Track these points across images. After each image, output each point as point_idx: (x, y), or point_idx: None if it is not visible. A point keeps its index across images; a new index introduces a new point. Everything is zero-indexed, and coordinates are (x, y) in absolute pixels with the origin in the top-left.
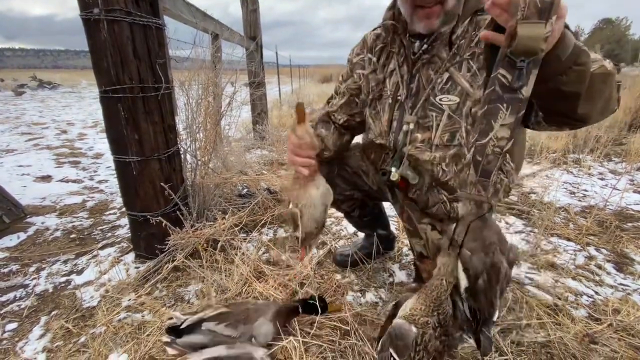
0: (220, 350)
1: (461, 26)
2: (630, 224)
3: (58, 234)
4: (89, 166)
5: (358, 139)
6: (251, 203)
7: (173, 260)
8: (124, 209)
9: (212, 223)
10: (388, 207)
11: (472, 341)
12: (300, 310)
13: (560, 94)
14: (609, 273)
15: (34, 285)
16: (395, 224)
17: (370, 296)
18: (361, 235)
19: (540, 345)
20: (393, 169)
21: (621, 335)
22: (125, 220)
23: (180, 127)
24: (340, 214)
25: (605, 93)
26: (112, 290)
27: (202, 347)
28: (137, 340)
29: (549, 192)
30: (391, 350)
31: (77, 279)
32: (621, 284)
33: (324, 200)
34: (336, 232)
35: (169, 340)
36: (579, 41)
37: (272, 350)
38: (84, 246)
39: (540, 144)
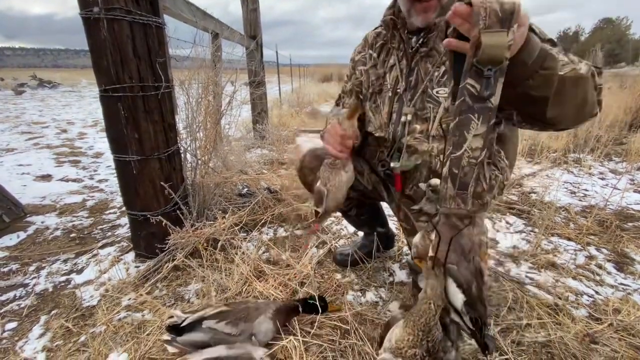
0: (220, 350)
1: None
2: (630, 224)
3: (58, 233)
4: (89, 165)
5: None
6: (251, 202)
7: (173, 260)
8: (124, 208)
9: (212, 222)
10: (385, 205)
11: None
12: (300, 309)
13: (529, 98)
14: (609, 273)
15: (34, 285)
16: (395, 223)
17: (370, 295)
18: (361, 234)
19: (540, 345)
20: (393, 163)
21: (621, 335)
22: (125, 220)
23: (180, 126)
24: (339, 213)
25: (578, 96)
26: (112, 289)
27: (202, 345)
28: (137, 339)
29: (550, 192)
30: None
31: (77, 278)
32: (622, 284)
33: (348, 184)
34: (336, 232)
35: (169, 338)
36: (559, 46)
37: (273, 349)
38: (84, 245)
39: (541, 143)
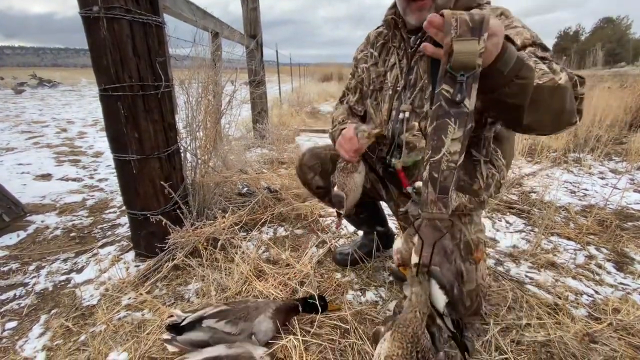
0: (220, 349)
1: None
2: (630, 223)
3: (58, 232)
4: (89, 164)
5: None
6: (251, 202)
7: (173, 259)
8: (124, 208)
9: (212, 222)
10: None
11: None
12: (300, 308)
13: (505, 105)
14: (609, 272)
15: (34, 284)
16: (394, 223)
17: (370, 295)
18: (360, 233)
19: (540, 344)
20: (393, 159)
21: (621, 335)
22: (125, 219)
23: (180, 125)
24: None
25: (554, 105)
26: (112, 288)
27: (202, 344)
28: (137, 338)
29: (550, 191)
30: None
31: (77, 278)
32: (621, 283)
33: (362, 182)
34: (336, 231)
35: (169, 337)
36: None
37: (272, 349)
38: (83, 245)
39: (541, 143)
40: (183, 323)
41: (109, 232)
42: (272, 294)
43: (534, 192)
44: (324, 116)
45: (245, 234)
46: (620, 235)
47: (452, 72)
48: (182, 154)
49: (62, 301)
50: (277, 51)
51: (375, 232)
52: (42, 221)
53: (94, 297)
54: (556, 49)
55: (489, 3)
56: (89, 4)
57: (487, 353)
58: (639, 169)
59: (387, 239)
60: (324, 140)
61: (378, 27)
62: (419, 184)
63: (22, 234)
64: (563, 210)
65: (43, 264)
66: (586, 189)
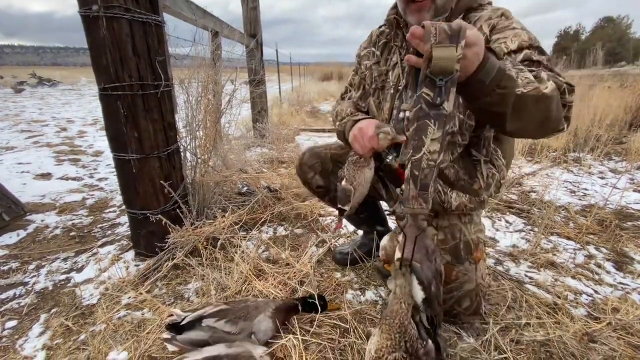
0: (219, 349)
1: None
2: (630, 223)
3: (58, 231)
4: (88, 164)
5: None
6: (251, 201)
7: (173, 258)
8: (123, 207)
9: (212, 221)
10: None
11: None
12: (299, 308)
13: (488, 113)
14: (608, 272)
15: (34, 283)
16: (394, 222)
17: (370, 294)
18: (360, 233)
19: (539, 344)
20: (389, 157)
21: (620, 334)
22: (125, 218)
23: (180, 124)
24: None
25: (538, 114)
26: (112, 288)
27: (202, 343)
28: (137, 337)
29: (549, 191)
30: None
31: (77, 277)
32: (620, 283)
33: (371, 179)
34: (335, 232)
35: (169, 336)
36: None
37: (272, 348)
38: (83, 244)
39: (541, 142)
40: (183, 322)
41: (109, 232)
42: (272, 294)
43: (534, 192)
44: (323, 115)
45: (245, 233)
46: (620, 234)
47: (432, 76)
48: (181, 153)
49: (62, 300)
50: (277, 50)
51: (375, 232)
52: (42, 220)
53: (93, 296)
54: (556, 49)
55: (490, 3)
56: (88, 3)
57: (486, 352)
58: (639, 169)
59: None
60: (324, 140)
61: (380, 26)
62: None
63: (22, 233)
64: (563, 210)
65: (43, 263)
66: (586, 189)
